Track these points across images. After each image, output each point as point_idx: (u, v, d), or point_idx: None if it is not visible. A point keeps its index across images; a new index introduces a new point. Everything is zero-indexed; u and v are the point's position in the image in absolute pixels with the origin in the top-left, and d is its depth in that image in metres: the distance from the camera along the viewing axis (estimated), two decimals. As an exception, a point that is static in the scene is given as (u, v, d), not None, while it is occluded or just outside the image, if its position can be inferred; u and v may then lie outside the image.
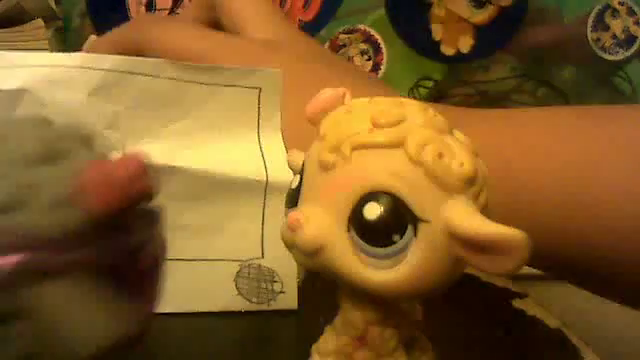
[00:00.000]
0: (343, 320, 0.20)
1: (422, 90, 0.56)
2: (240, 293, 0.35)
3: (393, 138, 0.17)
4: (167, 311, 0.34)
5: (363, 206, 0.17)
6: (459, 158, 0.17)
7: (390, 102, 0.19)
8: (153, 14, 0.41)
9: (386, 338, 0.19)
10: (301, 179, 0.19)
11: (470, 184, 0.17)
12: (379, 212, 0.17)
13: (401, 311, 0.20)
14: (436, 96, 0.55)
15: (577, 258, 0.24)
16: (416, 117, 0.18)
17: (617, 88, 0.60)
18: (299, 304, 0.34)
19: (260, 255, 0.35)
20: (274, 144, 0.36)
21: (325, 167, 0.18)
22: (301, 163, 0.20)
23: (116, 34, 0.34)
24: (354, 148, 0.17)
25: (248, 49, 0.30)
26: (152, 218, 0.19)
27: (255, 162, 0.35)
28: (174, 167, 0.34)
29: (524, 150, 0.24)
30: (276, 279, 0.35)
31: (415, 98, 0.55)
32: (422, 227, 0.17)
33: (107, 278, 0.17)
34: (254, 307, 0.34)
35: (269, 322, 0.34)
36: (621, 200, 0.21)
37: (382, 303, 0.19)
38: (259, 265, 0.35)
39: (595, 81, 0.58)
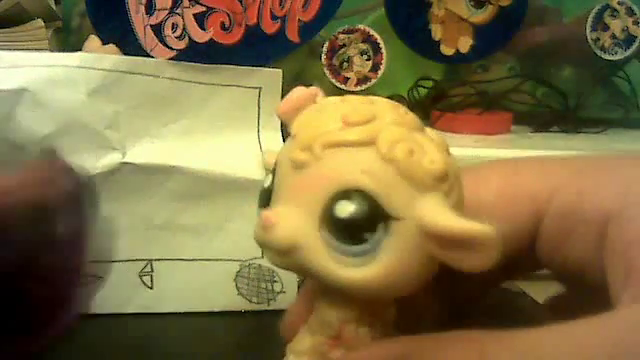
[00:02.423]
0: (318, 319, 0.20)
1: (421, 90, 0.56)
2: (240, 293, 0.35)
3: (364, 136, 0.17)
4: (167, 311, 0.34)
5: (335, 204, 0.17)
6: (430, 155, 0.17)
7: (361, 100, 0.19)
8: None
9: (361, 337, 0.19)
10: (274, 178, 0.19)
11: (441, 181, 0.17)
12: (350, 210, 0.17)
13: (376, 310, 0.20)
14: (435, 96, 0.55)
15: None
16: (387, 115, 0.18)
17: (616, 88, 0.60)
18: (299, 304, 0.34)
19: (260, 255, 0.35)
20: (274, 144, 0.36)
21: (297, 166, 0.18)
22: (273, 162, 0.20)
23: None
24: (325, 147, 0.17)
25: None
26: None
27: (255, 162, 0.35)
28: (174, 167, 0.34)
29: None
30: (276, 279, 0.35)
31: (415, 98, 0.55)
32: (394, 225, 0.17)
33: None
34: (254, 307, 0.34)
35: (269, 322, 0.34)
36: None
37: (357, 301, 0.19)
38: (259, 265, 0.35)
39: (594, 81, 0.58)
